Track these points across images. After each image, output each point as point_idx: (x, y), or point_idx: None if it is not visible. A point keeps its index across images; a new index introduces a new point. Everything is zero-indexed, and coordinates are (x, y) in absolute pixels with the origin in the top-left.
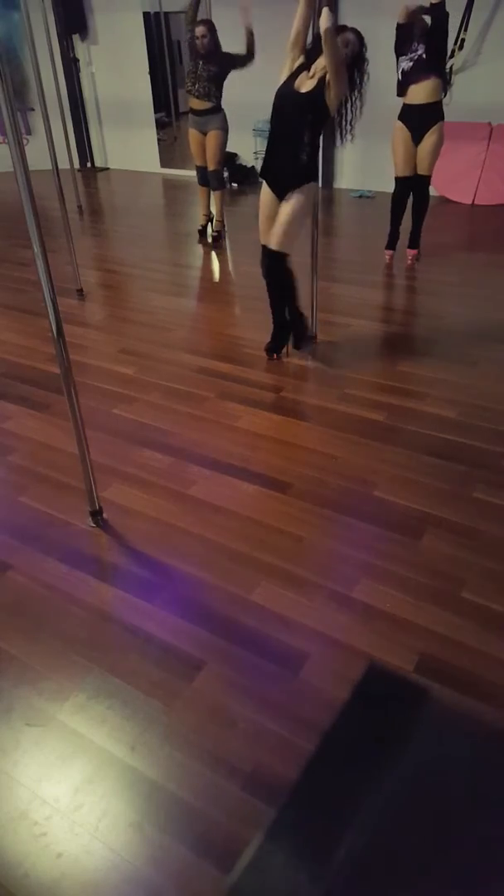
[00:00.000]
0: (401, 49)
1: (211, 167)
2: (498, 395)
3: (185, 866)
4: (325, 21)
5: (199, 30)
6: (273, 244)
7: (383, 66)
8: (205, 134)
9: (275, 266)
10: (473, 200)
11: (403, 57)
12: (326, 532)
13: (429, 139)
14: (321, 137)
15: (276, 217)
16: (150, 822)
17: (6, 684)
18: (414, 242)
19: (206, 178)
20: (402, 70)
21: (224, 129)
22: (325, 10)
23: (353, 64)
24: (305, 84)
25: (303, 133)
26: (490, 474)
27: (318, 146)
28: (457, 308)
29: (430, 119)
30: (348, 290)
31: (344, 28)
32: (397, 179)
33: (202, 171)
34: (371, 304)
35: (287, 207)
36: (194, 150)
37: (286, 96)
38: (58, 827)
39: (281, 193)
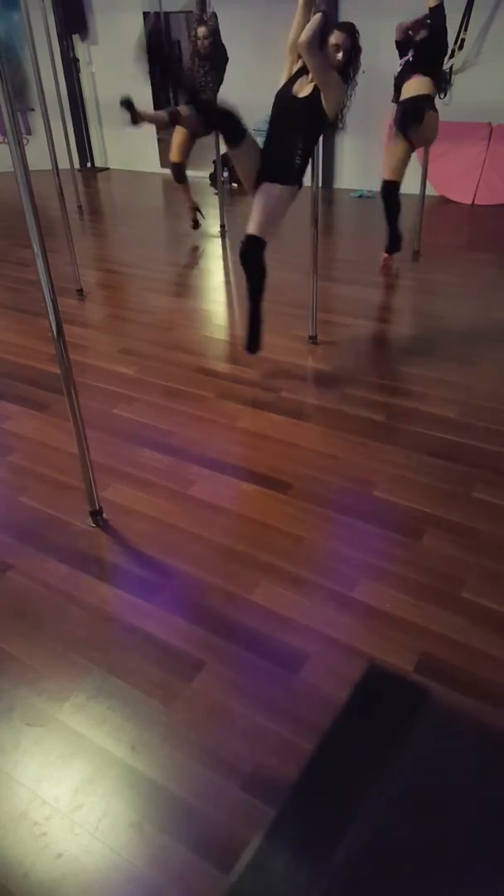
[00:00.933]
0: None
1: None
2: (498, 395)
3: (185, 866)
4: (305, 32)
5: (202, 31)
6: (252, 229)
7: (383, 66)
8: None
9: (250, 252)
10: (473, 200)
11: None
12: (326, 532)
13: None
14: (317, 146)
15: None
16: (150, 822)
17: (6, 684)
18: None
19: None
20: (394, 76)
21: None
22: (314, 18)
23: (348, 59)
24: (304, 89)
25: (298, 137)
26: (490, 474)
27: (312, 152)
28: (457, 308)
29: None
30: (348, 290)
31: (335, 26)
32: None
33: (178, 167)
34: (371, 304)
35: (263, 196)
36: (175, 145)
37: (284, 99)
38: (58, 827)
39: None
